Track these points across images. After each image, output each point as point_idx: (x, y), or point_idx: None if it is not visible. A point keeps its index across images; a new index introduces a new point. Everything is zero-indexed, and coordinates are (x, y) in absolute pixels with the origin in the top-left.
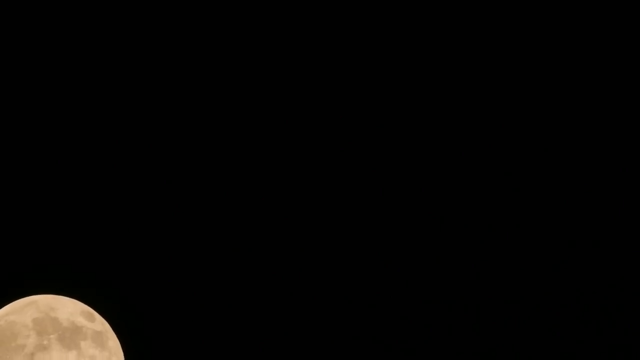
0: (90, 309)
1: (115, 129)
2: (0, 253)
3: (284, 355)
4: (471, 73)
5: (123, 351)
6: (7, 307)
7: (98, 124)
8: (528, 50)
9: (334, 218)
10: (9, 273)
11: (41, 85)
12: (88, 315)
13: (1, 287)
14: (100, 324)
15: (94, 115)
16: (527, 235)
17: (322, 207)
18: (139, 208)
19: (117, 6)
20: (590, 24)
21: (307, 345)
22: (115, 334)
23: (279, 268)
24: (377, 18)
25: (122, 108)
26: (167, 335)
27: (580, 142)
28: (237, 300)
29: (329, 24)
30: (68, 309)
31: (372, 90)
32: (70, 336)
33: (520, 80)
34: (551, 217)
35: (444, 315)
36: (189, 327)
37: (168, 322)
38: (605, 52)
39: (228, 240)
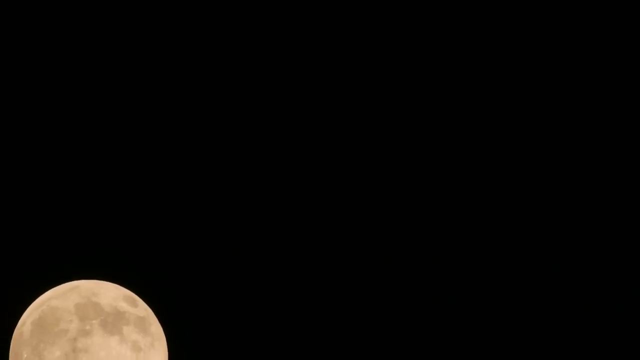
0: (133, 294)
1: (154, 117)
2: (43, 238)
3: (325, 340)
4: (471, 73)
5: (165, 336)
6: (50, 292)
7: (138, 112)
8: (528, 50)
9: (343, 215)
10: (52, 258)
11: (80, 75)
12: (131, 301)
13: (44, 272)
14: (143, 309)
15: (133, 104)
16: (526, 235)
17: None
18: (182, 193)
19: (117, 6)
20: (590, 24)
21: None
22: (158, 319)
23: (316, 256)
24: (377, 18)
25: (157, 96)
26: (209, 321)
27: (580, 142)
28: (279, 286)
29: (329, 24)
30: (111, 294)
31: (372, 90)
32: (112, 321)
33: (520, 81)
34: (551, 217)
35: (445, 315)
36: (231, 312)
37: (210, 307)
38: (605, 52)
39: (271, 227)
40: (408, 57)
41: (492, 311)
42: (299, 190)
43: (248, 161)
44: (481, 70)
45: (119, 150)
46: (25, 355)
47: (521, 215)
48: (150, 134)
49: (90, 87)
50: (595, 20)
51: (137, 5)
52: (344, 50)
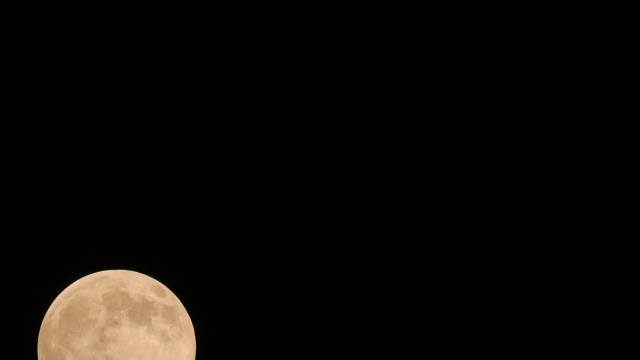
0: (161, 284)
1: (183, 106)
2: (71, 228)
3: (352, 330)
4: (471, 73)
5: (193, 326)
6: (78, 282)
7: (167, 102)
8: (528, 50)
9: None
10: (81, 248)
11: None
12: (159, 291)
13: (72, 262)
14: (170, 299)
15: (162, 93)
16: (526, 235)
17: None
18: (210, 183)
19: (117, 6)
20: (590, 24)
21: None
22: (186, 309)
23: (347, 250)
24: (377, 18)
25: (184, 86)
26: (237, 311)
27: (580, 142)
28: (308, 276)
29: (329, 24)
30: (139, 284)
31: (373, 90)
32: (140, 311)
33: (520, 81)
34: (551, 217)
35: (447, 315)
36: (259, 302)
37: (238, 297)
38: (605, 52)
39: (301, 217)
40: (408, 57)
41: (493, 311)
42: (328, 177)
43: (277, 150)
44: (481, 70)
45: (146, 139)
46: (53, 345)
47: (521, 215)
48: (177, 125)
49: (115, 77)
50: (595, 20)
51: (137, 5)
52: (347, 48)
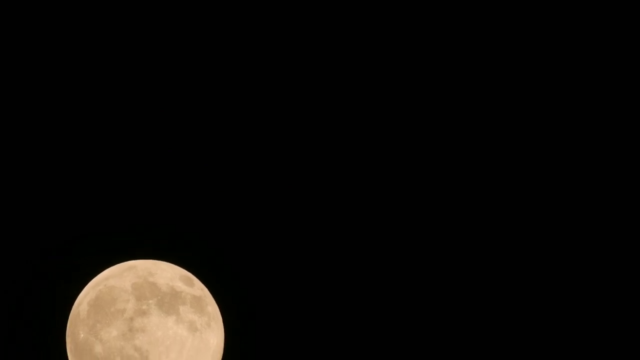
0: (189, 273)
1: (213, 98)
2: (100, 218)
3: (386, 322)
4: (471, 73)
5: (222, 316)
6: (107, 272)
7: (196, 93)
8: (528, 50)
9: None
10: (109, 238)
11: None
12: (187, 280)
13: (101, 252)
14: (199, 289)
15: (186, 84)
16: (526, 235)
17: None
18: (238, 172)
19: (117, 6)
20: (591, 24)
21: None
22: (214, 299)
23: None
24: (377, 18)
25: (212, 77)
26: (265, 300)
27: (580, 142)
28: (336, 265)
29: (331, 24)
30: (167, 274)
31: (374, 90)
32: (169, 301)
33: (520, 81)
34: (550, 217)
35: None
36: (288, 292)
37: (267, 286)
38: (606, 52)
39: (329, 207)
40: (408, 57)
41: (493, 311)
42: (355, 166)
43: (304, 141)
44: (481, 70)
45: (171, 129)
46: (82, 335)
47: (521, 215)
48: (205, 115)
49: (143, 70)
50: (595, 21)
51: (137, 5)
52: (346, 49)
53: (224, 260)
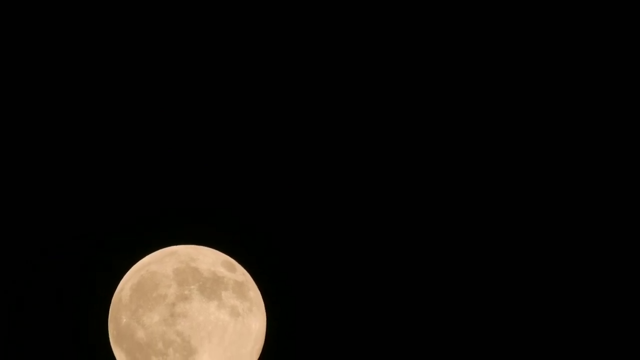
0: (231, 259)
1: (258, 89)
2: (142, 203)
3: (428, 312)
4: (471, 73)
5: (264, 301)
6: (149, 257)
7: (246, 84)
8: (528, 50)
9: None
10: (151, 223)
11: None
12: (229, 266)
13: (143, 237)
14: (241, 274)
15: (235, 74)
16: (526, 235)
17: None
18: (280, 157)
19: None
20: (591, 24)
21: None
22: (256, 284)
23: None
24: (377, 18)
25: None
26: (308, 286)
27: (580, 142)
28: (378, 251)
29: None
30: (209, 259)
31: (375, 89)
32: (211, 286)
33: (520, 81)
34: (550, 217)
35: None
36: (329, 277)
37: (309, 272)
38: (606, 52)
39: (372, 194)
40: (408, 57)
41: (494, 311)
42: (395, 156)
43: (346, 126)
44: (481, 70)
45: (214, 118)
46: (124, 320)
47: (521, 215)
48: (240, 107)
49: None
50: (595, 21)
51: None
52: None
53: (266, 245)
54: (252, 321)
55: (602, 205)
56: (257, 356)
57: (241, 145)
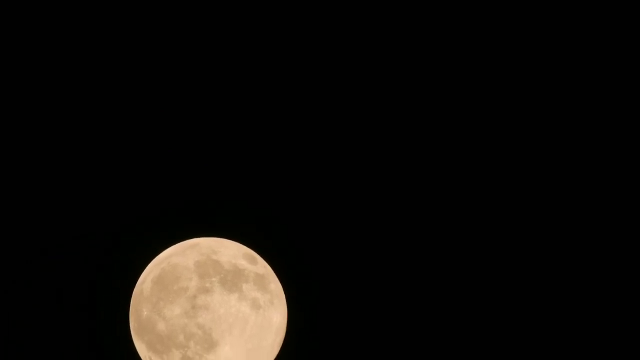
0: (252, 251)
1: (281, 83)
2: (163, 196)
3: (452, 307)
4: (471, 73)
5: (285, 294)
6: (170, 250)
7: (266, 77)
8: (528, 50)
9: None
10: (172, 215)
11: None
12: (250, 258)
13: (164, 230)
14: (262, 266)
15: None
16: (527, 235)
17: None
18: (303, 151)
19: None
20: (591, 24)
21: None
22: (277, 276)
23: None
24: (377, 18)
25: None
26: (329, 278)
27: (580, 142)
28: (400, 244)
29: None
30: (230, 252)
31: (376, 89)
32: (232, 279)
33: (520, 81)
34: (550, 217)
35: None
36: (351, 269)
37: (330, 264)
38: (606, 52)
39: (393, 186)
40: (408, 56)
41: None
42: (419, 149)
43: (369, 117)
44: (481, 70)
45: (236, 110)
46: (145, 313)
47: (521, 215)
48: (270, 97)
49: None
50: (595, 21)
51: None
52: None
53: (287, 238)
54: (273, 314)
55: (602, 205)
56: (278, 349)
57: (265, 137)
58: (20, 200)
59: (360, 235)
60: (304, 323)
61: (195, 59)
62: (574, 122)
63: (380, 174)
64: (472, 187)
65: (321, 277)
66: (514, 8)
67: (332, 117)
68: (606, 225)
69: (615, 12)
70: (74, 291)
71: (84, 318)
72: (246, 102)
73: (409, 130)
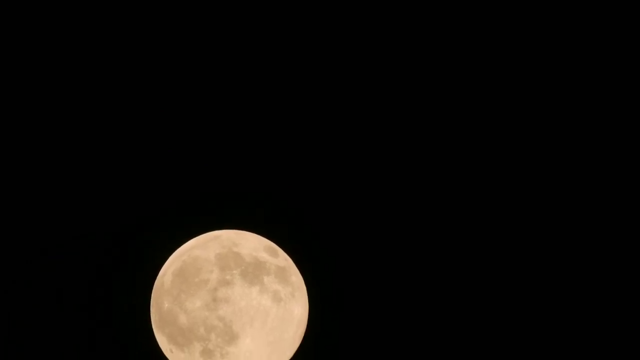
0: (273, 244)
1: (308, 77)
2: (184, 188)
3: (475, 301)
4: (471, 73)
5: (306, 287)
6: (191, 242)
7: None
8: (528, 50)
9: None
10: (193, 208)
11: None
12: (271, 251)
13: (185, 222)
14: (283, 259)
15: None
16: (526, 235)
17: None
18: (323, 144)
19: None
20: (591, 24)
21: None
22: (298, 269)
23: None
24: (378, 18)
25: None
26: (350, 271)
27: (580, 142)
28: (421, 238)
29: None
30: (251, 244)
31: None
32: (253, 271)
33: (521, 81)
34: (551, 217)
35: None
36: (373, 262)
37: (352, 257)
38: (606, 52)
39: (415, 181)
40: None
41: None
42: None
43: (388, 112)
44: (481, 70)
45: (256, 103)
46: (166, 305)
47: (521, 216)
48: (287, 91)
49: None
50: (595, 21)
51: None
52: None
53: (308, 230)
54: (294, 306)
55: (602, 205)
56: (299, 341)
57: (286, 130)
58: (44, 192)
59: (382, 228)
60: (325, 316)
61: (215, 50)
62: (573, 122)
63: (402, 167)
64: (499, 183)
65: (342, 269)
66: (514, 8)
67: (354, 109)
68: (606, 225)
69: (615, 12)
70: (95, 284)
71: (105, 311)
72: (266, 95)
73: (431, 124)
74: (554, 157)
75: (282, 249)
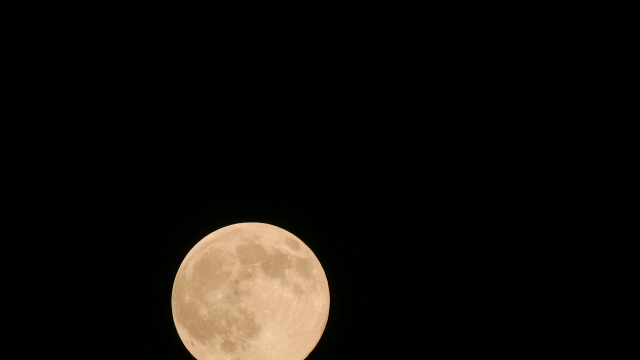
0: (294, 236)
1: (330, 70)
2: (206, 181)
3: (497, 294)
4: (471, 73)
5: (327, 279)
6: (213, 234)
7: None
8: (528, 50)
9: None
10: (215, 200)
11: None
12: (292, 243)
13: (207, 215)
14: (304, 251)
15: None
16: (527, 235)
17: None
18: (344, 138)
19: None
20: (591, 24)
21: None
22: (320, 261)
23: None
24: (378, 18)
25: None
26: (371, 264)
27: (580, 142)
28: (444, 229)
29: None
30: (272, 237)
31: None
32: (274, 264)
33: (520, 81)
34: (551, 217)
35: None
36: (394, 254)
37: (373, 249)
38: (606, 52)
39: (439, 173)
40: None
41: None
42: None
43: (410, 104)
44: (481, 70)
45: (275, 95)
46: (187, 298)
47: (521, 216)
48: (311, 87)
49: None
50: (595, 21)
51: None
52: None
53: (330, 223)
54: (316, 299)
55: (602, 205)
56: (321, 334)
57: (309, 123)
58: (63, 184)
59: (404, 220)
60: (346, 308)
61: (242, 44)
62: (573, 122)
63: (424, 159)
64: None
65: (364, 262)
66: (514, 8)
67: (375, 102)
68: (606, 225)
69: (615, 12)
70: (116, 277)
71: (126, 303)
72: (285, 88)
73: (453, 119)
74: (564, 155)
75: (304, 242)
